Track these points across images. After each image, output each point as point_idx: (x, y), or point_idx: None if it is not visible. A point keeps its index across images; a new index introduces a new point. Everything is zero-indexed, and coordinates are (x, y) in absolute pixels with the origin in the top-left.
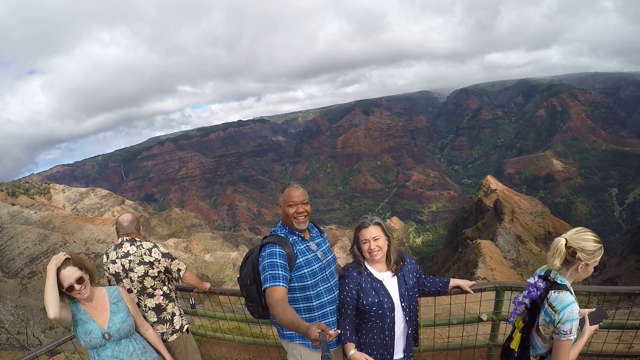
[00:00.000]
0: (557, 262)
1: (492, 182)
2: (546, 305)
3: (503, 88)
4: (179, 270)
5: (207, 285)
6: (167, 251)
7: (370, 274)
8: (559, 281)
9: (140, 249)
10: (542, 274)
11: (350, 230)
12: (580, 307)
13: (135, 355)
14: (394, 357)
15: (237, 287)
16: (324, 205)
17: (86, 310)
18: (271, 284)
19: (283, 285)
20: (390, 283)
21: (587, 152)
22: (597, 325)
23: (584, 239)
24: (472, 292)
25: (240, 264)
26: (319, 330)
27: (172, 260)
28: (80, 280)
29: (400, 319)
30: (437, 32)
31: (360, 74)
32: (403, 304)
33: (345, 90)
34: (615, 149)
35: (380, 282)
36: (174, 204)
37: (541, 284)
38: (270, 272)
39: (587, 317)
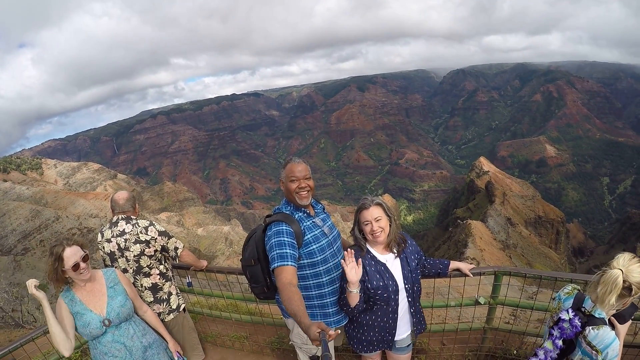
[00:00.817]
0: (614, 300)
1: (485, 163)
2: (584, 344)
3: (500, 71)
4: (176, 248)
5: (204, 263)
6: (163, 229)
7: (373, 257)
8: (597, 315)
9: (136, 227)
10: (571, 302)
11: (342, 206)
12: (577, 293)
13: (135, 337)
14: (395, 338)
15: (232, 265)
16: (317, 181)
17: (81, 299)
18: (279, 263)
19: (292, 265)
20: (394, 265)
21: (580, 139)
22: (630, 321)
23: (639, 272)
24: (472, 275)
25: (231, 239)
26: (319, 330)
27: (169, 239)
28: (85, 259)
29: (403, 301)
30: (437, 11)
31: (356, 50)
32: (407, 286)
33: (340, 66)
34: (609, 139)
35: (384, 264)
36: (166, 178)
37: (578, 322)
38: (278, 251)
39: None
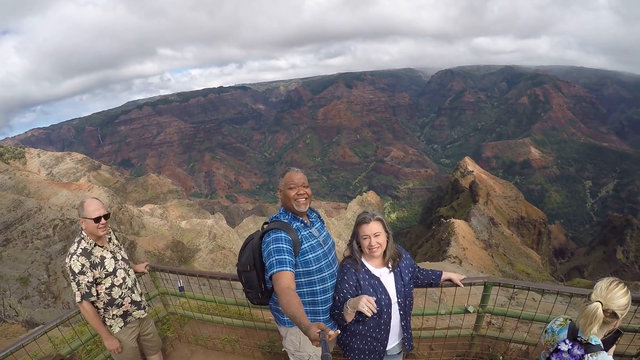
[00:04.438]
0: (596, 329)
1: (470, 163)
2: None
3: (488, 72)
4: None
5: (108, 340)
6: (71, 265)
7: (368, 271)
8: (594, 342)
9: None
10: (566, 333)
11: (327, 201)
12: (570, 324)
13: None
14: (387, 348)
15: (215, 258)
16: None
17: None
18: (278, 269)
19: (290, 270)
20: (388, 279)
21: (565, 143)
22: (614, 345)
23: (618, 296)
24: (463, 285)
25: (215, 232)
26: (319, 331)
27: (72, 279)
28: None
29: (395, 314)
30: (427, 11)
31: (345, 47)
32: (399, 300)
33: (328, 62)
34: (593, 143)
35: (377, 278)
36: (151, 170)
37: (579, 351)
38: (276, 257)
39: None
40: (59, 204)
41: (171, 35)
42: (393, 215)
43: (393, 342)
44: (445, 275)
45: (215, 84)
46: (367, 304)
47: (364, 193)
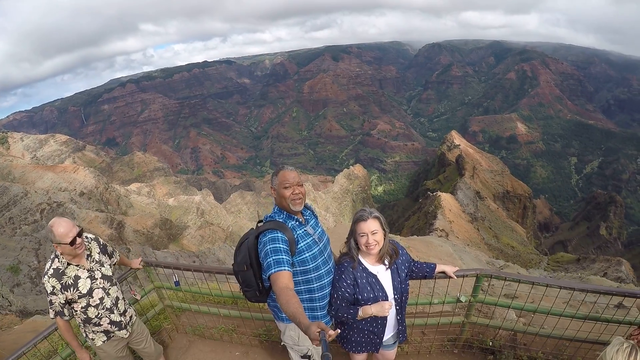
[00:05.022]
0: None
1: (456, 137)
2: None
3: (476, 47)
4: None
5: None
6: (46, 285)
7: (365, 269)
8: None
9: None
10: None
11: (313, 175)
12: None
13: None
14: (383, 340)
15: (204, 235)
16: (288, 150)
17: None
18: (276, 269)
19: (288, 270)
20: (385, 277)
21: (551, 119)
22: None
23: None
24: (456, 277)
25: (203, 208)
26: (319, 330)
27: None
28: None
29: (392, 310)
30: None
31: (331, 19)
32: (396, 296)
33: (314, 35)
34: (579, 121)
35: (375, 276)
36: (136, 148)
37: None
38: (274, 257)
39: None
40: (44, 187)
41: (153, 10)
42: (380, 189)
43: (388, 334)
44: (439, 267)
45: (199, 58)
46: (387, 310)
47: (351, 166)
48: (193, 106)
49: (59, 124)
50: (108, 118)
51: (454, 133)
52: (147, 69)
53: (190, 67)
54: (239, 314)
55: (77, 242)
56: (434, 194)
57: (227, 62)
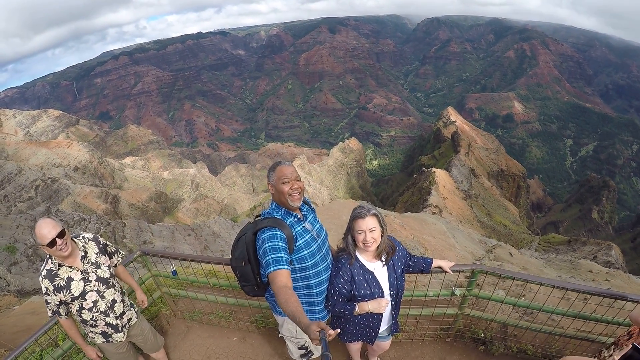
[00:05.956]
0: None
1: (453, 114)
2: None
3: (475, 24)
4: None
5: None
6: (41, 286)
7: (362, 265)
8: None
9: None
10: None
11: (308, 148)
12: None
13: None
14: (378, 333)
15: (199, 208)
16: (283, 122)
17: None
18: (274, 267)
19: (286, 268)
20: (381, 273)
21: (549, 100)
22: None
23: None
24: (452, 272)
25: (197, 181)
26: (319, 329)
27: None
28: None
29: (388, 305)
30: None
31: None
32: (392, 292)
33: (311, 6)
34: (577, 103)
35: (371, 273)
36: (130, 121)
37: None
38: (272, 255)
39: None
40: (38, 163)
41: None
42: (375, 163)
43: (383, 327)
44: (436, 263)
45: (193, 30)
46: (384, 308)
47: (346, 140)
48: (187, 78)
49: (52, 99)
50: (101, 92)
51: (450, 109)
52: (140, 41)
53: (184, 38)
54: (236, 301)
55: (57, 244)
56: (429, 169)
57: (222, 33)
